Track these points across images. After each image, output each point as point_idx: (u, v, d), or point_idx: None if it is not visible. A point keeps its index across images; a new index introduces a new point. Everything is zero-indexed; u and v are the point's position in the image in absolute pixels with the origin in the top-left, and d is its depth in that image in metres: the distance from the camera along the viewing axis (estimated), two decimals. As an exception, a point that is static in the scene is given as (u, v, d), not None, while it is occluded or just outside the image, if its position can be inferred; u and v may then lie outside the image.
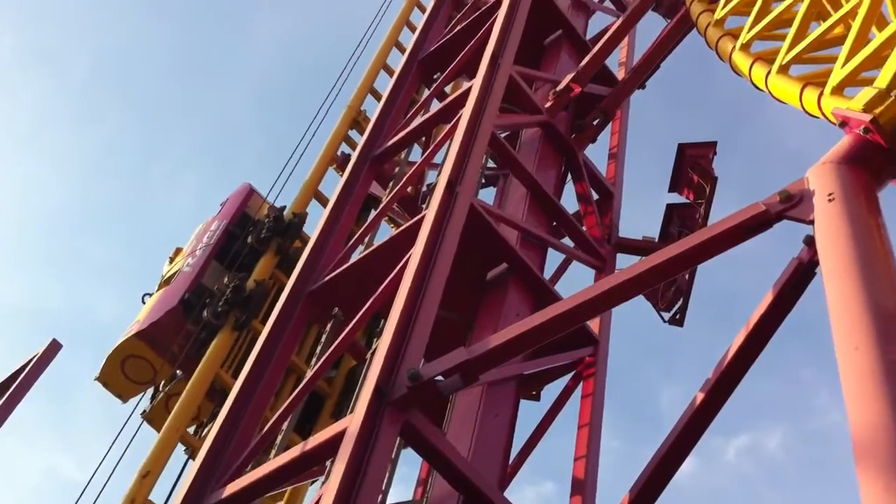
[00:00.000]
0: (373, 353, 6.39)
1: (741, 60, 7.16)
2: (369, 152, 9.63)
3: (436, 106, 10.24)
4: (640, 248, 9.27)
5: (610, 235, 9.28)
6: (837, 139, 5.55)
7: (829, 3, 7.05)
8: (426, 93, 11.43)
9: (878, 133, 5.18)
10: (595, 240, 8.91)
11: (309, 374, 7.03)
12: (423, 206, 8.95)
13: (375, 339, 7.62)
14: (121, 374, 10.13)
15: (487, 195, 10.04)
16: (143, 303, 10.67)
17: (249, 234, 10.48)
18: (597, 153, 10.39)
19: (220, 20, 35.63)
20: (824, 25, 6.63)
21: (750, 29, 7.36)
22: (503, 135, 8.95)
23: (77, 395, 32.46)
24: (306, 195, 11.06)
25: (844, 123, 5.41)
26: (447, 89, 11.37)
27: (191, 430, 9.33)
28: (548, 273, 8.82)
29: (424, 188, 10.23)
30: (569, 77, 9.69)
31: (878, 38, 5.69)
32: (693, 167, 9.24)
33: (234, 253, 10.39)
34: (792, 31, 6.68)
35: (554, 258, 9.03)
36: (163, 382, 10.09)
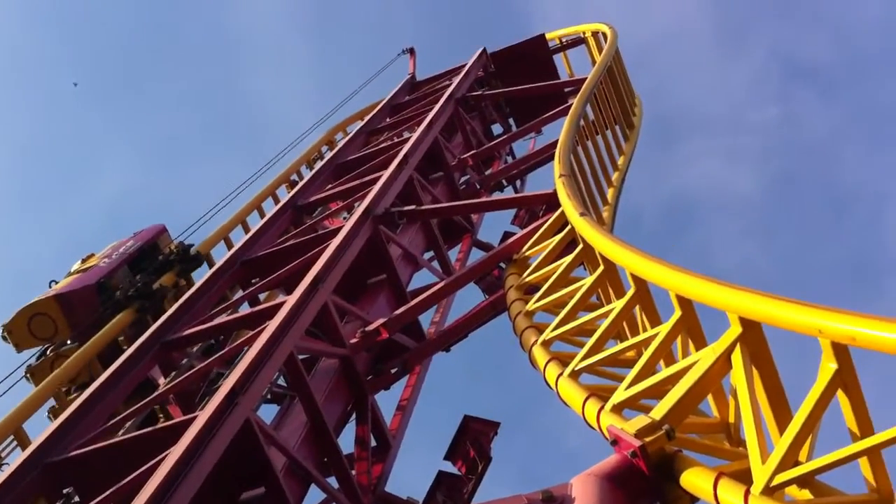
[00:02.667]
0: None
1: (540, 356, 7.48)
2: (161, 337, 9.31)
3: (244, 309, 10.12)
4: (401, 507, 9.12)
5: (376, 487, 9.10)
6: (611, 452, 5.79)
7: (629, 327, 7.58)
8: (239, 293, 11.34)
9: (643, 460, 5.43)
10: (360, 487, 8.71)
11: None
12: (199, 406, 8.60)
13: None
14: (26, 327, 11.77)
15: (269, 411, 9.78)
16: (50, 287, 12.44)
17: (161, 254, 13.09)
18: (387, 401, 10.41)
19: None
20: (620, 346, 7.08)
21: (554, 329, 7.77)
22: (301, 357, 8.86)
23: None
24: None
25: (616, 442, 5.65)
26: (261, 296, 11.32)
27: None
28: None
29: (205, 387, 9.86)
30: (380, 321, 9.84)
31: (663, 373, 6.10)
32: (472, 442, 9.34)
33: (145, 263, 12.91)
34: (589, 344, 7.08)
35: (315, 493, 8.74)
36: (52, 347, 11.79)
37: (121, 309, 11.70)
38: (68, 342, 11.74)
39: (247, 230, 14.21)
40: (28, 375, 11.43)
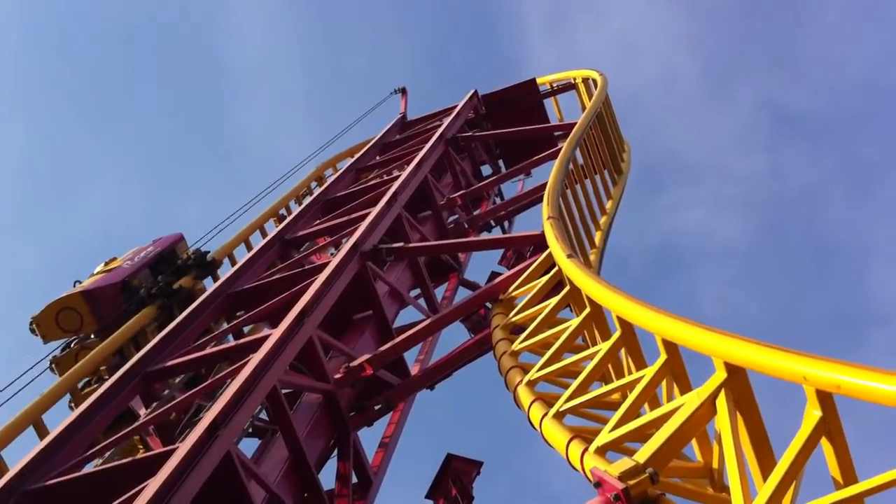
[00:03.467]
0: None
1: (524, 396, 7.47)
2: (143, 367, 9.26)
3: (228, 342, 10.07)
4: (381, 546, 9.05)
5: (355, 524, 9.03)
6: (593, 495, 5.76)
7: (614, 369, 7.59)
8: (224, 325, 11.29)
9: (626, 503, 5.41)
10: (340, 524, 8.65)
11: None
12: (179, 438, 8.53)
13: None
14: (54, 320, 12.70)
15: (250, 445, 9.71)
16: (74, 286, 13.36)
17: (178, 259, 14.25)
18: (369, 437, 10.35)
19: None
20: (604, 389, 7.07)
21: (539, 370, 7.76)
22: (285, 391, 8.82)
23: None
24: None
25: (599, 484, 5.62)
26: (246, 329, 11.28)
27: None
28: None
29: (186, 418, 9.79)
30: (365, 357, 9.82)
31: (647, 416, 6.09)
32: (455, 480, 9.30)
33: (164, 266, 13.99)
34: (574, 385, 7.08)
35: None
36: (76, 340, 12.76)
37: (144, 306, 12.80)
38: (92, 336, 12.71)
39: (233, 263, 14.35)
40: (53, 366, 12.41)
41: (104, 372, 11.63)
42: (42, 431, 9.65)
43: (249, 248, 15.20)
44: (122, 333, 11.93)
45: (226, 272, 12.24)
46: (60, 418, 8.64)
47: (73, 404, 11.05)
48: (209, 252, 14.59)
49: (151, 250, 14.45)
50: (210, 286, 11.91)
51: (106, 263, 14.47)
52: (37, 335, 12.85)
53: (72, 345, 12.78)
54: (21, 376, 10.61)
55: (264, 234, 15.73)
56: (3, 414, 9.83)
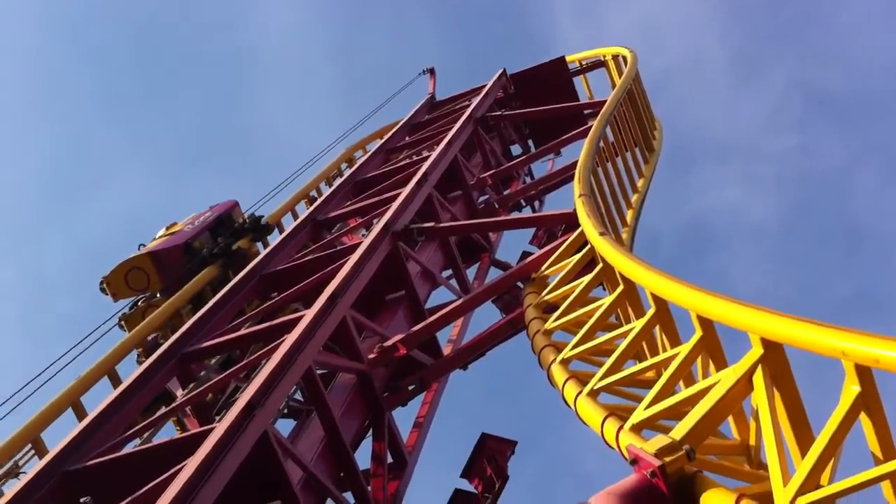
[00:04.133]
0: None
1: (558, 374, 7.45)
2: (180, 349, 9.34)
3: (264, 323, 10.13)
4: (416, 524, 9.10)
5: (392, 503, 9.08)
6: (628, 473, 5.75)
7: (649, 347, 7.55)
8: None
9: (662, 480, 5.39)
10: (377, 503, 8.70)
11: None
12: (217, 417, 8.62)
13: None
14: (123, 279, 13.73)
15: (286, 425, 9.79)
16: (139, 249, 14.34)
17: (235, 223, 15.37)
18: (404, 417, 10.40)
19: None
20: (638, 366, 7.04)
21: (573, 348, 7.74)
22: (319, 372, 8.87)
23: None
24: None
25: (635, 461, 5.61)
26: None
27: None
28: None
29: (223, 399, 9.89)
30: (398, 337, 9.85)
31: (682, 393, 6.06)
32: (489, 460, 9.32)
33: (221, 230, 15.05)
34: (608, 363, 7.05)
35: None
36: (143, 298, 13.76)
37: (206, 265, 13.84)
38: (158, 295, 13.65)
39: (266, 245, 14.57)
40: (122, 323, 13.35)
41: (168, 330, 12.26)
42: (80, 413, 9.82)
43: (281, 230, 15.36)
44: (187, 291, 12.92)
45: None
46: (103, 396, 8.78)
47: (141, 358, 11.53)
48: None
49: (210, 215, 15.42)
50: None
51: (167, 228, 15.51)
52: (107, 294, 13.81)
53: (139, 303, 13.72)
54: (91, 333, 11.72)
55: (295, 217, 15.86)
56: (73, 369, 10.74)
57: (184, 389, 9.92)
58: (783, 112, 44.12)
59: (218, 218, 15.34)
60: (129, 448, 8.04)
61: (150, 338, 11.77)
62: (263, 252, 12.17)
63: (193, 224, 15.15)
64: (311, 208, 14.02)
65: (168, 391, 10.08)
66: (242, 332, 9.84)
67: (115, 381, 10.11)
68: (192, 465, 6.27)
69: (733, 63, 46.64)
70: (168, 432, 10.32)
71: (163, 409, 9.79)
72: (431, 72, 22.71)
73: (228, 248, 14.28)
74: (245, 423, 6.89)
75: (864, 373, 4.68)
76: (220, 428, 6.75)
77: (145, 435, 8.81)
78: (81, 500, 7.49)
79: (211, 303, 10.44)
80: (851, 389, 4.76)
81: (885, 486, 4.86)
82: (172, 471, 6.34)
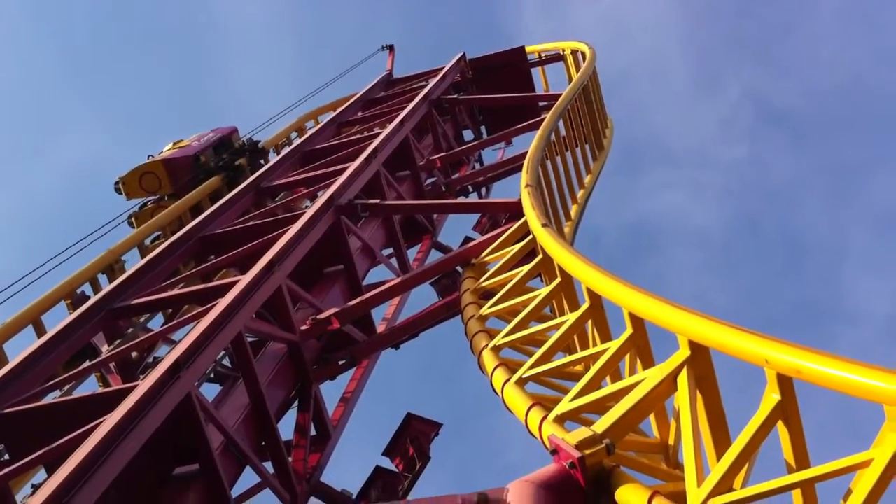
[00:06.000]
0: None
1: (489, 360, 7.49)
2: (109, 303, 9.17)
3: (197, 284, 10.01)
4: (335, 499, 9.08)
5: (311, 475, 9.05)
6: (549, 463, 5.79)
7: (580, 340, 7.62)
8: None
9: (580, 472, 5.45)
10: (296, 474, 8.66)
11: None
12: (142, 376, 8.49)
13: None
14: (137, 181, 15.99)
15: (211, 391, 9.68)
16: (148, 159, 16.41)
17: (234, 144, 17.49)
18: (331, 392, 10.36)
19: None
20: (568, 359, 7.12)
21: (505, 336, 7.78)
22: (250, 339, 8.79)
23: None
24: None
25: (555, 452, 5.67)
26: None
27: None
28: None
29: (150, 359, 9.76)
30: (332, 311, 9.80)
31: (608, 388, 6.14)
32: (413, 440, 9.32)
33: (223, 149, 17.17)
34: (539, 353, 7.11)
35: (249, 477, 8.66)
36: (152, 200, 15.87)
37: (211, 175, 15.92)
38: (165, 198, 15.65)
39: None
40: (132, 220, 15.21)
41: (168, 232, 13.69)
42: (40, 330, 10.09)
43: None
44: (192, 196, 14.91)
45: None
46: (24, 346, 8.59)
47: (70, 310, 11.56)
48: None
49: (213, 135, 17.55)
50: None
51: (174, 143, 17.49)
52: (121, 193, 15.94)
53: (148, 204, 15.72)
54: (101, 228, 13.34)
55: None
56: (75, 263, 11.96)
57: (110, 345, 9.77)
58: (736, 122, 44.77)
59: (221, 138, 17.40)
60: (48, 399, 7.88)
61: (78, 290, 11.50)
62: (204, 213, 12.00)
63: (199, 141, 17.10)
64: (257, 174, 13.86)
65: (93, 346, 9.89)
66: (174, 292, 9.70)
67: (41, 330, 9.91)
68: (112, 419, 6.17)
69: (694, 68, 47.16)
70: (90, 388, 10.14)
71: (87, 363, 9.61)
72: (391, 48, 22.56)
73: (231, 163, 16.40)
74: (169, 383, 6.80)
75: (785, 382, 4.78)
76: (143, 385, 6.66)
77: (66, 388, 8.65)
78: (-6, 447, 7.37)
79: (144, 260, 10.26)
80: (771, 398, 4.86)
81: (796, 494, 4.98)
82: (91, 424, 6.23)
